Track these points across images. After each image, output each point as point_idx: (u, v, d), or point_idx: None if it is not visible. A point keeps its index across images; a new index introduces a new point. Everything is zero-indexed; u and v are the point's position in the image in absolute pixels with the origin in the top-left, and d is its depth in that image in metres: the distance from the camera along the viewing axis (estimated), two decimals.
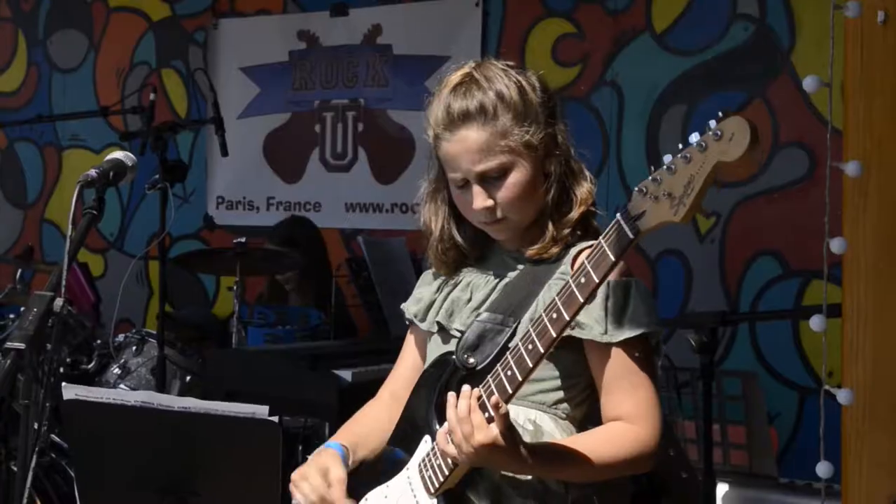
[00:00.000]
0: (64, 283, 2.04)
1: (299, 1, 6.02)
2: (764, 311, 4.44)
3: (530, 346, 1.84)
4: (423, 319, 2.19)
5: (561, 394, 2.01)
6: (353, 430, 2.23)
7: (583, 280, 1.77)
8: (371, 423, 2.24)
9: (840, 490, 1.85)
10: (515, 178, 2.02)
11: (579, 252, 2.04)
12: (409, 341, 2.31)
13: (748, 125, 1.59)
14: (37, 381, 1.94)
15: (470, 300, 2.12)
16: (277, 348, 4.21)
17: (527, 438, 1.96)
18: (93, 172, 2.25)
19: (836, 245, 1.79)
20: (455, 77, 2.07)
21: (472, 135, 2.01)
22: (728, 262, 4.82)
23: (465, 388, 1.84)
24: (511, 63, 2.11)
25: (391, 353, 4.11)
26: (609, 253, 1.74)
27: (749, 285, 4.75)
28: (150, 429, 1.82)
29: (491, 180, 2.02)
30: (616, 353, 1.95)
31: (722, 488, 3.19)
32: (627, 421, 1.95)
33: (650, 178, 1.68)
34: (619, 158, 5.09)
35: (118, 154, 2.37)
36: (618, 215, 1.72)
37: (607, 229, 1.75)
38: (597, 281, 1.76)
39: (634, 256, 4.96)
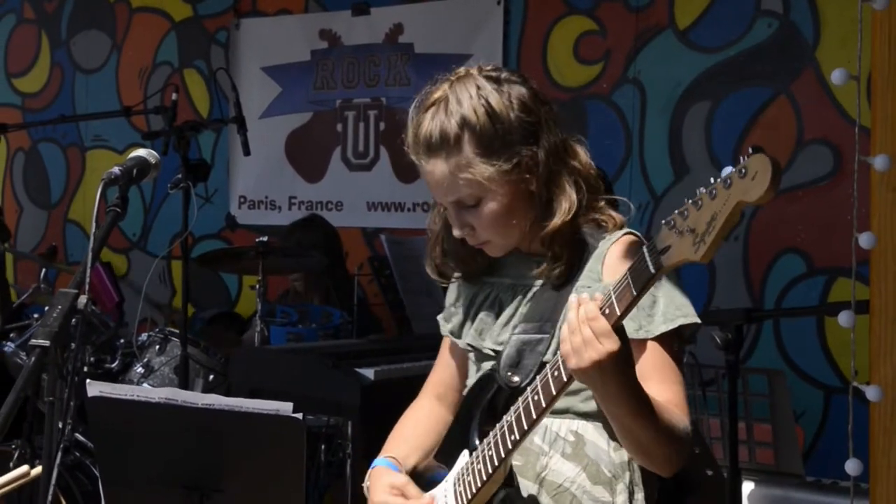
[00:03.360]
0: (88, 280, 2.04)
1: (321, 0, 6.03)
2: (790, 307, 4.41)
3: (556, 373, 1.80)
4: (459, 336, 2.16)
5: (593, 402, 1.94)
6: (402, 436, 2.21)
7: (607, 311, 1.72)
8: (417, 427, 2.22)
9: (868, 488, 1.83)
10: (488, 207, 1.95)
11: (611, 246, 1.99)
12: (446, 347, 2.27)
13: (770, 165, 1.50)
14: (61, 379, 1.94)
15: (499, 316, 2.08)
16: (300, 347, 4.20)
17: (568, 450, 1.96)
18: (116, 170, 2.24)
19: (864, 240, 1.77)
20: (433, 95, 2.00)
21: (437, 168, 1.96)
22: (752, 260, 4.79)
23: (598, 294, 1.77)
24: (494, 74, 1.98)
25: (414, 352, 4.15)
26: (632, 287, 1.68)
27: (773, 283, 4.72)
28: (174, 426, 1.82)
29: (467, 207, 1.98)
30: (652, 346, 1.92)
31: (748, 486, 3.17)
32: None
33: (678, 211, 1.61)
34: (642, 156, 5.07)
35: (141, 152, 2.37)
36: (644, 248, 1.66)
37: (635, 260, 1.69)
38: (619, 314, 1.71)
39: None
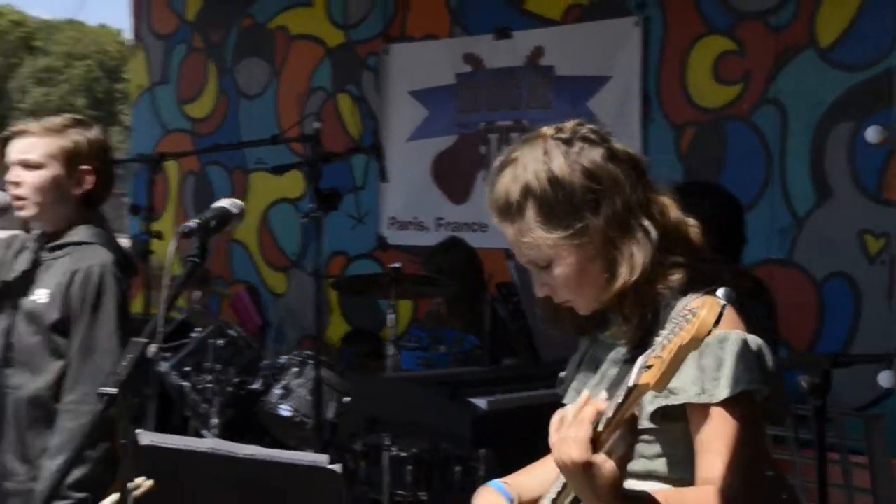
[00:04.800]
0: (160, 330, 2.16)
1: (465, 25, 6.13)
2: (882, 353, 4.22)
3: None
4: (564, 393, 2.17)
5: (678, 468, 1.89)
6: (534, 465, 2.23)
7: (602, 418, 1.69)
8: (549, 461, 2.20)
9: None
10: (557, 271, 1.93)
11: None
12: None
13: (703, 316, 1.53)
14: (132, 423, 2.07)
15: (594, 375, 2.06)
16: (418, 375, 4.28)
17: None
18: (193, 223, 2.36)
19: None
20: (508, 155, 1.98)
21: (507, 231, 1.97)
22: None
23: (603, 394, 1.74)
24: (567, 136, 1.93)
25: (538, 380, 4.16)
26: (620, 395, 1.66)
27: None
28: (221, 474, 1.91)
29: (542, 268, 1.96)
30: (716, 413, 1.81)
31: None
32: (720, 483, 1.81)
33: (664, 333, 1.62)
34: (783, 179, 4.95)
35: (224, 202, 2.48)
36: (640, 358, 1.64)
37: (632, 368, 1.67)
38: (604, 425, 1.68)
39: (799, 278, 4.83)
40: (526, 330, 4.41)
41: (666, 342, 1.60)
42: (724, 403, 1.81)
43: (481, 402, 3.69)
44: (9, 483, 2.98)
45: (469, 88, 6.08)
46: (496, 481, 2.18)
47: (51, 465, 2.86)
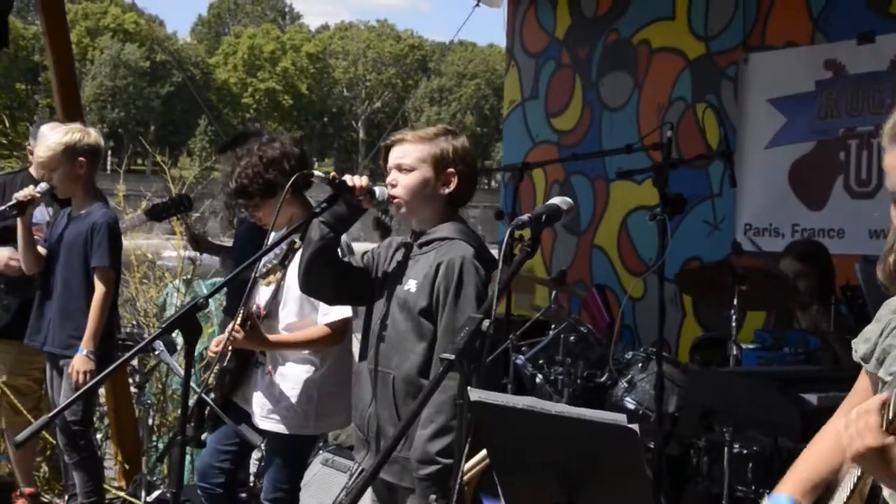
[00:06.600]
0: (495, 308, 2.50)
1: (826, 31, 6.12)
2: None
3: None
4: (867, 361, 2.16)
5: None
6: (805, 467, 2.26)
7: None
8: (816, 457, 2.26)
9: None
10: None
11: None
12: (862, 376, 2.25)
13: None
14: (466, 385, 2.42)
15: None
16: (752, 370, 4.40)
17: None
18: (525, 217, 2.69)
19: None
20: None
21: (892, 156, 1.97)
22: None
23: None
24: None
25: None
26: None
27: None
28: (537, 429, 2.20)
29: None
30: None
31: None
32: None
33: None
34: None
35: (556, 200, 2.80)
36: None
37: None
38: (890, 417, 1.71)
39: None
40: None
41: None
42: None
43: (812, 398, 3.78)
44: None
45: (829, 95, 6.07)
46: (785, 497, 2.20)
47: (422, 434, 3.10)
